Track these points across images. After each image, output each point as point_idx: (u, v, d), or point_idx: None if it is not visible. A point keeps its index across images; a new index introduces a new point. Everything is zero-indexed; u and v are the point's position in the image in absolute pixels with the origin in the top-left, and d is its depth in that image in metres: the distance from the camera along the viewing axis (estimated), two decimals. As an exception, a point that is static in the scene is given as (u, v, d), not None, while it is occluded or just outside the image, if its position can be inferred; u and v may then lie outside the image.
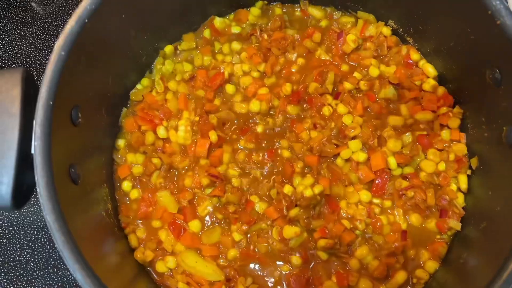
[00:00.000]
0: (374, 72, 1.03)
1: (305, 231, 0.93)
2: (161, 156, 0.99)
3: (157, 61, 1.08)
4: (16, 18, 1.31)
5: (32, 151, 0.71)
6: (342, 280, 0.91)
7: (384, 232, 0.93)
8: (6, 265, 1.09)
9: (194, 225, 0.95)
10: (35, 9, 1.32)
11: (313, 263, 0.93)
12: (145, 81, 1.06)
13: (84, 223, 0.81)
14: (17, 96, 0.72)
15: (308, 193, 0.92)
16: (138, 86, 1.06)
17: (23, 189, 0.72)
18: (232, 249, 0.94)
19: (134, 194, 0.99)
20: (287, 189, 0.94)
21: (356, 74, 1.04)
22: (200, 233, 0.96)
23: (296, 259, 0.92)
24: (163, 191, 0.98)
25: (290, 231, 0.92)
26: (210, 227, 0.96)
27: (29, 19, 1.30)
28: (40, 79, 0.73)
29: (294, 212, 0.93)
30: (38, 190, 0.70)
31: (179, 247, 0.95)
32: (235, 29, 1.10)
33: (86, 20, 0.78)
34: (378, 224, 0.94)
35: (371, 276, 0.91)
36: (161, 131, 1.01)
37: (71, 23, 0.77)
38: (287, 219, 0.94)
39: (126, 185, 1.00)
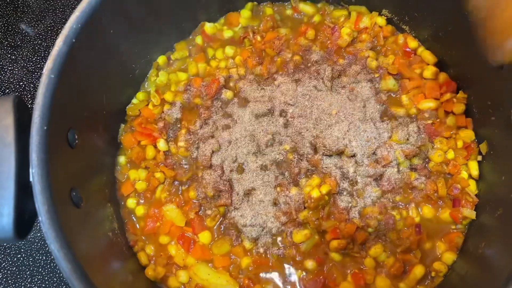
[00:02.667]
0: (372, 64, 1.01)
1: (316, 233, 0.91)
2: (163, 169, 0.98)
3: (150, 73, 1.07)
4: (6, 43, 1.29)
5: (31, 179, 0.69)
6: (358, 280, 0.89)
7: (397, 228, 0.91)
8: (17, 293, 1.08)
9: (204, 237, 0.93)
10: (24, 31, 1.31)
11: (327, 265, 0.91)
12: (140, 95, 1.05)
13: (90, 246, 0.79)
14: (10, 125, 0.70)
15: (315, 193, 0.90)
16: (134, 101, 1.05)
17: (25, 218, 0.71)
18: (244, 257, 0.92)
19: (140, 210, 0.97)
20: (294, 190, 0.92)
21: (354, 68, 1.01)
22: (211, 244, 0.94)
23: (309, 263, 0.90)
24: (169, 205, 0.96)
25: (300, 234, 0.90)
26: (220, 237, 0.94)
27: (19, 42, 1.29)
28: (35, 103, 0.71)
29: (303, 214, 0.91)
30: (39, 218, 0.68)
31: (190, 260, 0.93)
32: (227, 33, 1.08)
33: (74, 40, 0.76)
34: (391, 220, 0.91)
35: (388, 273, 0.89)
36: (161, 144, 0.99)
37: (59, 44, 0.75)
38: (296, 223, 0.92)
39: (130, 202, 0.98)
